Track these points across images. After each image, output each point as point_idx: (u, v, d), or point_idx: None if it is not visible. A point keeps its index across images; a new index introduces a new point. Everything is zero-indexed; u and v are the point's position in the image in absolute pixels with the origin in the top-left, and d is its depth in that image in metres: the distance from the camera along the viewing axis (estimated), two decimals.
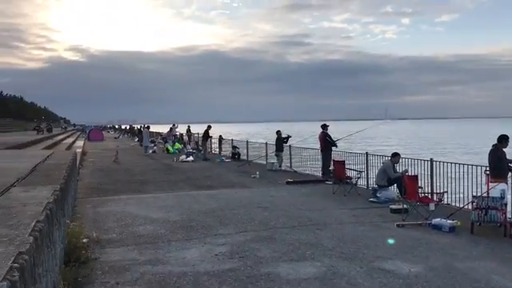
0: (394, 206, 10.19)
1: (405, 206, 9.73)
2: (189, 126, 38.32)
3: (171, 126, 38.16)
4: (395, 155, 12.10)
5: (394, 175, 11.61)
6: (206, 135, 26.36)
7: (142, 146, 33.18)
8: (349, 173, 13.42)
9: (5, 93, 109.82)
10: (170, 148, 30.61)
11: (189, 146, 31.16)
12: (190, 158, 24.12)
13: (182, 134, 37.47)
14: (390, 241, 7.58)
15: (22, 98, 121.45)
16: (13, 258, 2.55)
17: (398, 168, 12.09)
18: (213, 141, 30.10)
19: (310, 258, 6.61)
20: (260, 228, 8.51)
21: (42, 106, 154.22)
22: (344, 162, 13.94)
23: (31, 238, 3.10)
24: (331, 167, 14.60)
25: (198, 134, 33.53)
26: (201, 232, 8.22)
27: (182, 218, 9.45)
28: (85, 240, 7.14)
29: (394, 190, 11.85)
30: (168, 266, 6.25)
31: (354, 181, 13.02)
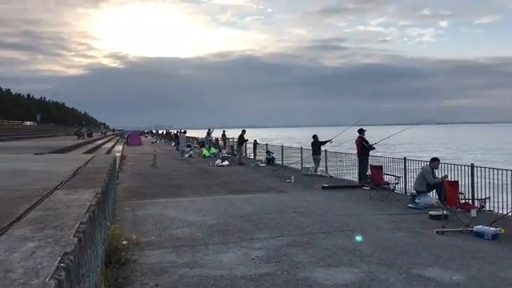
0: (433, 212, 9.95)
1: (445, 212, 9.48)
2: (224, 131, 38.69)
3: (207, 130, 38.66)
4: (434, 160, 11.83)
5: (434, 181, 11.34)
6: (241, 140, 26.51)
7: (178, 150, 33.72)
8: (386, 178, 13.19)
9: (48, 99, 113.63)
10: (205, 152, 30.98)
11: (224, 151, 31.42)
12: (226, 163, 24.29)
13: (217, 139, 37.86)
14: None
15: (63, 104, 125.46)
16: (59, 258, 2.63)
17: (437, 173, 11.80)
18: (247, 145, 30.22)
19: (347, 264, 6.52)
20: (296, 233, 8.46)
21: (83, 112, 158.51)
22: (381, 167, 13.72)
23: (76, 239, 3.19)
24: (368, 172, 14.38)
25: (233, 138, 33.79)
26: (237, 236, 8.25)
27: (219, 221, 9.51)
28: (124, 242, 7.28)
29: (433, 195, 11.57)
30: (205, 269, 6.31)
31: (391, 186, 12.78)
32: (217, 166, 23.59)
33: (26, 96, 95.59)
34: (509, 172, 10.45)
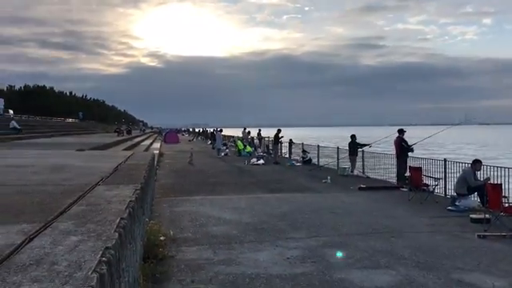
0: (474, 216, 9.66)
1: (487, 215, 9.18)
2: (259, 130, 38.86)
3: (243, 129, 38.92)
4: (476, 162, 11.48)
5: (475, 183, 11.02)
6: (277, 138, 26.50)
7: (214, 148, 34.07)
8: (426, 180, 12.88)
9: (89, 97, 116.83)
10: (240, 145, 31.17)
11: (259, 150, 31.49)
12: (261, 161, 24.34)
13: (252, 138, 38.03)
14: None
15: (103, 102, 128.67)
16: (101, 253, 2.70)
17: (479, 176, 11.44)
18: (283, 144, 30.22)
19: (384, 266, 6.42)
20: (332, 233, 8.39)
21: (122, 109, 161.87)
22: (421, 168, 13.41)
23: (116, 234, 3.27)
24: (407, 174, 14.09)
25: (268, 137, 33.86)
26: (272, 235, 8.25)
27: (254, 220, 9.54)
28: (162, 238, 7.40)
29: (474, 198, 11.23)
30: (241, 267, 6.34)
31: (431, 188, 12.48)
32: (252, 164, 23.63)
33: (68, 94, 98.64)
34: None
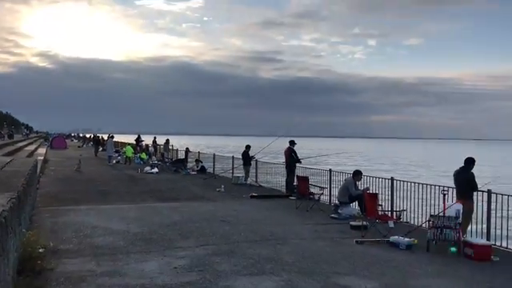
0: (353, 223, 10.52)
1: (364, 222, 9.96)
2: (155, 137, 38.21)
3: (137, 137, 37.74)
4: (357, 173, 12.50)
5: (356, 192, 12.01)
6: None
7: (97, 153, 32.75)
8: (312, 189, 13.60)
9: None
10: (129, 150, 31.02)
11: (154, 158, 30.89)
12: (155, 170, 24.04)
13: (147, 145, 37.12)
14: None
15: None
16: None
17: (359, 186, 12.35)
18: (179, 153, 30.12)
19: (268, 273, 6.79)
20: (221, 242, 8.65)
21: (4, 112, 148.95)
22: (307, 178, 14.20)
23: None
24: (295, 183, 14.74)
25: (160, 145, 33.42)
26: (161, 245, 8.31)
27: (143, 230, 9.47)
28: (41, 250, 7.07)
29: (355, 206, 12.11)
30: (125, 278, 6.33)
31: (316, 197, 13.20)
32: (146, 172, 23.38)
33: None
34: (425, 186, 11.10)
